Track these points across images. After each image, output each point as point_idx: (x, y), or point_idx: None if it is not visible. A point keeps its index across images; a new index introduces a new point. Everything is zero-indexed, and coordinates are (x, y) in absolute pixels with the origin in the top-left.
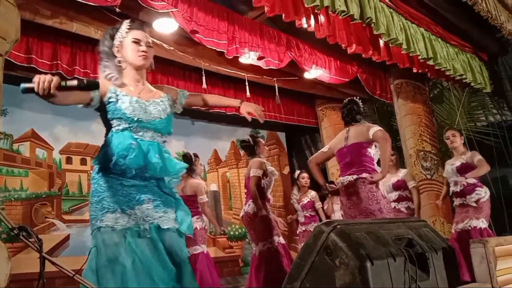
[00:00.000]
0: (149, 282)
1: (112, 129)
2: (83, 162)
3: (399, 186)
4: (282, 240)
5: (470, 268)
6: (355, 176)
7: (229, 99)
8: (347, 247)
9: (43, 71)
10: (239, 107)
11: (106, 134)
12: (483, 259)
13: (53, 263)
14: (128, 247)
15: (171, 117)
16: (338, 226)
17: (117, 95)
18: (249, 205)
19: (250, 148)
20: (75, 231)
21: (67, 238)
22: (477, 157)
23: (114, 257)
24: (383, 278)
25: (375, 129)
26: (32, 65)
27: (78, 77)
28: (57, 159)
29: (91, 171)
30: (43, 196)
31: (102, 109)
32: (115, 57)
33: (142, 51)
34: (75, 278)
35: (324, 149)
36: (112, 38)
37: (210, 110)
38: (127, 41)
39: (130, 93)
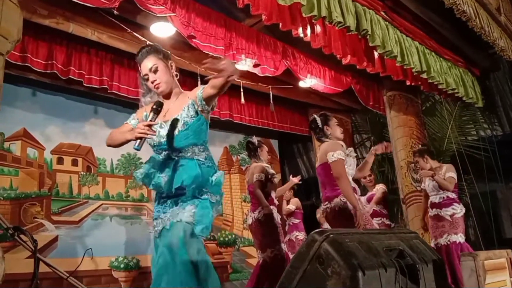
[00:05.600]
0: (172, 280)
1: None
2: (75, 163)
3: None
4: (285, 248)
5: (454, 281)
6: (331, 205)
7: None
8: (339, 257)
9: (38, 70)
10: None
11: None
12: (472, 272)
13: (47, 264)
14: (159, 248)
15: (192, 127)
16: (331, 235)
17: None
18: (259, 211)
19: (251, 150)
20: (64, 232)
21: (55, 239)
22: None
23: (155, 258)
24: None
25: (330, 159)
26: (26, 64)
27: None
28: (48, 159)
29: (82, 172)
30: (33, 196)
31: None
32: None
33: (152, 82)
34: (69, 280)
35: None
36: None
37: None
38: (144, 80)
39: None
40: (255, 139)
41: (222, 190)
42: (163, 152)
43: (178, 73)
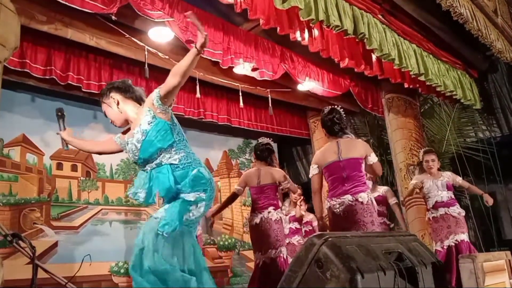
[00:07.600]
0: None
1: None
2: (74, 168)
3: (378, 201)
4: (286, 252)
5: (459, 281)
6: (352, 198)
7: None
8: (338, 260)
9: (37, 76)
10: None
11: None
12: (471, 274)
13: (45, 270)
14: None
15: (151, 132)
16: (330, 239)
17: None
18: (269, 212)
19: (269, 153)
20: (64, 238)
21: (55, 244)
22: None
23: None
24: None
25: (374, 160)
26: (25, 70)
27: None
28: (47, 164)
29: (81, 177)
30: (32, 201)
31: None
32: None
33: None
34: (67, 286)
35: (315, 170)
36: None
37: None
38: None
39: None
40: (269, 142)
41: (210, 184)
42: (145, 166)
43: (122, 98)
